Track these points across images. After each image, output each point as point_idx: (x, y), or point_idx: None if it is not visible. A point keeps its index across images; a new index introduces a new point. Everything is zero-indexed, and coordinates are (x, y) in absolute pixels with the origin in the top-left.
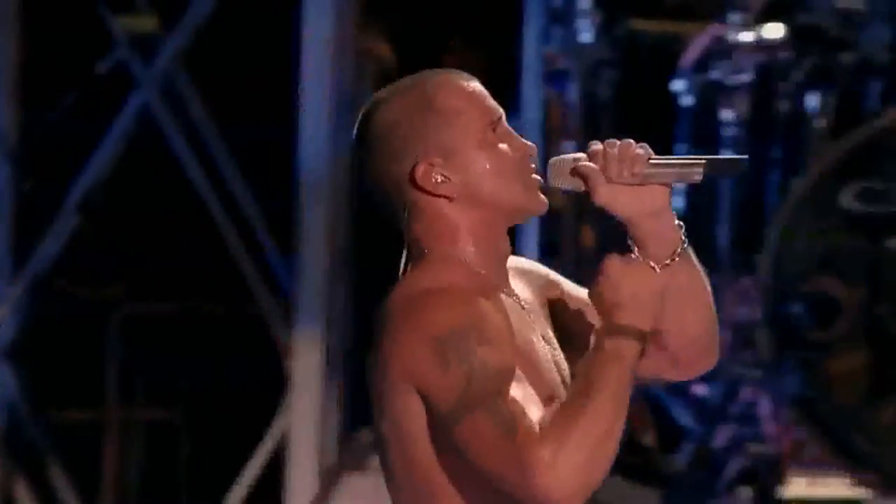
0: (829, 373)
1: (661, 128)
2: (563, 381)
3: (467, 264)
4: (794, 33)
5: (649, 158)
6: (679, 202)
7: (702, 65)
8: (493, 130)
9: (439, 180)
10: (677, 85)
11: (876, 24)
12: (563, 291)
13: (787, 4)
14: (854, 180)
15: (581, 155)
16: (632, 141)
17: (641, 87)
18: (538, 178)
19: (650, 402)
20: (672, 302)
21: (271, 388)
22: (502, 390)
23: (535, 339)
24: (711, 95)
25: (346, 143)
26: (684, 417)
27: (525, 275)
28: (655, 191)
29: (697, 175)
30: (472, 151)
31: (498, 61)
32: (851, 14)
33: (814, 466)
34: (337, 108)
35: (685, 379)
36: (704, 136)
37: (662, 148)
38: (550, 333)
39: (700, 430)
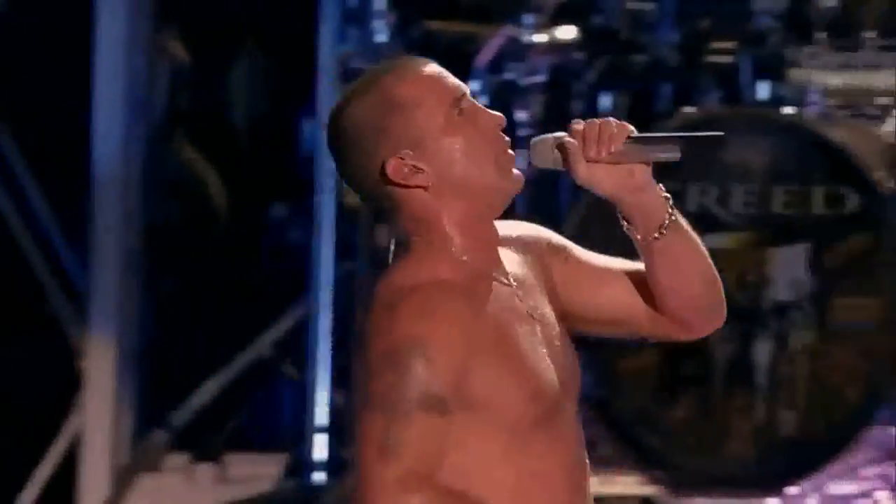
0: (619, 371)
1: None
2: (556, 360)
3: (451, 253)
4: (587, 35)
5: (628, 136)
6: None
7: (496, 66)
8: (460, 111)
9: (411, 172)
10: (472, 85)
11: (666, 25)
12: (566, 257)
13: (579, 6)
14: None
15: (562, 134)
16: (612, 119)
17: None
18: (511, 154)
19: None
20: (667, 269)
21: (65, 387)
22: (413, 416)
23: (518, 326)
24: (506, 96)
25: (138, 141)
26: None
27: (525, 247)
28: (635, 167)
29: (675, 152)
30: (439, 138)
31: (293, 62)
32: (642, 15)
33: (605, 464)
34: (130, 106)
35: (694, 338)
36: None
37: None
38: (546, 309)
39: None
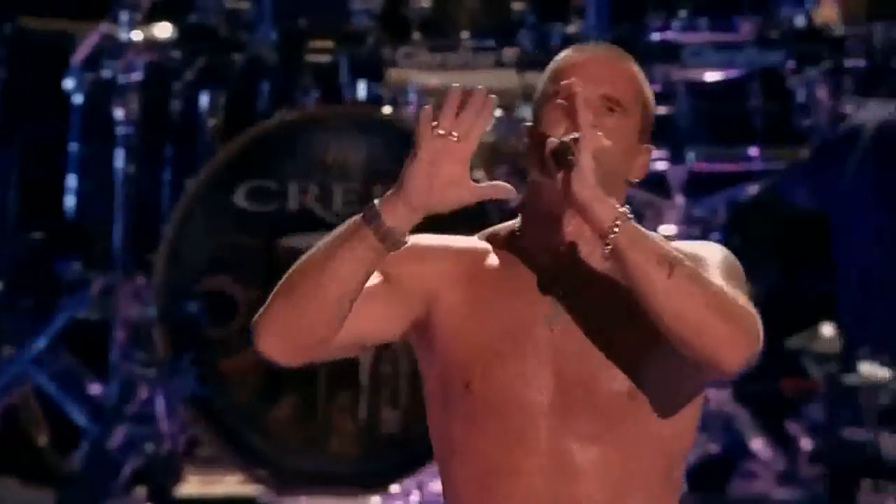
0: (224, 371)
1: (53, 126)
2: (545, 364)
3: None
4: (184, 33)
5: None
6: (71, 201)
7: (92, 63)
8: None
9: None
10: (68, 83)
11: (264, 24)
12: None
13: (176, 4)
14: (246, 180)
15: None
16: None
17: (32, 86)
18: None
19: (44, 402)
20: (636, 289)
21: None
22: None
23: (511, 311)
24: (103, 94)
25: None
26: (80, 417)
27: None
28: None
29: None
30: None
31: None
32: (240, 14)
33: (209, 464)
34: None
35: (728, 374)
36: (97, 134)
37: (55, 145)
38: (589, 324)
39: (96, 429)
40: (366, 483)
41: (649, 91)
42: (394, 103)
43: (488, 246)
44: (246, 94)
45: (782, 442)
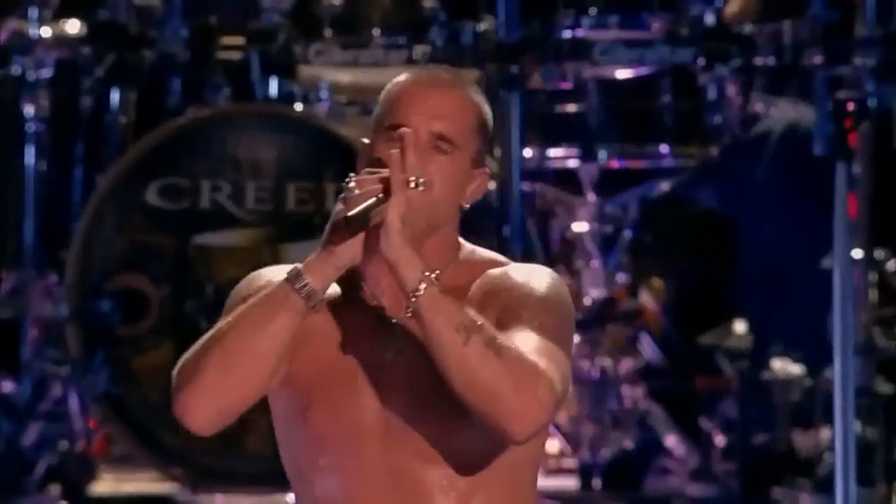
0: (136, 368)
1: None
2: (389, 396)
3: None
4: (94, 29)
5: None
6: None
7: (2, 59)
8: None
9: None
10: None
11: (174, 20)
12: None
13: (86, 0)
14: (158, 177)
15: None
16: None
17: None
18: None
19: None
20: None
21: None
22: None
23: (354, 347)
24: (13, 90)
25: None
26: None
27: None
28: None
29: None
30: None
31: None
32: (149, 10)
33: (123, 462)
34: None
35: (518, 442)
36: (7, 131)
37: None
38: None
39: (8, 427)
40: (281, 481)
41: (486, 113)
42: (305, 101)
43: None
44: (156, 91)
45: (696, 438)
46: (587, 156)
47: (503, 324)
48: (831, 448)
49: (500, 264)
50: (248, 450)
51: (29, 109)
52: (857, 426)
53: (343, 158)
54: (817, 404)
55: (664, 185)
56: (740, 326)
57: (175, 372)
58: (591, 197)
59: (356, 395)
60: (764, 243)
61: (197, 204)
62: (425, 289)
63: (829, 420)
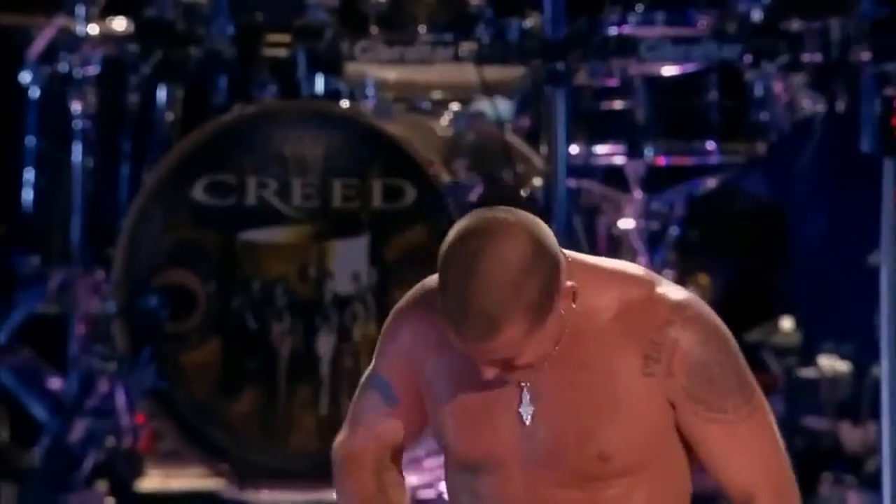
0: (183, 365)
1: (9, 120)
2: (525, 432)
3: None
4: (141, 27)
5: None
6: (29, 195)
7: (49, 56)
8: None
9: None
10: (24, 77)
11: (221, 18)
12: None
13: None
14: (204, 174)
15: None
16: None
17: None
18: None
19: (3, 397)
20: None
21: None
22: (367, 392)
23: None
24: (59, 87)
25: None
26: (39, 411)
27: (622, 331)
28: None
29: None
30: None
31: None
32: (196, 8)
33: (170, 459)
34: None
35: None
36: (54, 128)
37: (12, 140)
38: (564, 390)
39: (56, 423)
40: (327, 477)
41: (537, 296)
42: (352, 97)
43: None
44: (203, 88)
45: None
46: (633, 153)
47: (701, 417)
48: (878, 445)
49: (636, 285)
50: (294, 446)
51: (76, 107)
52: None
53: (389, 155)
54: (864, 401)
55: (710, 182)
56: (787, 323)
57: (332, 458)
58: (638, 194)
59: (491, 427)
60: (812, 238)
61: (243, 200)
62: None
63: (876, 416)
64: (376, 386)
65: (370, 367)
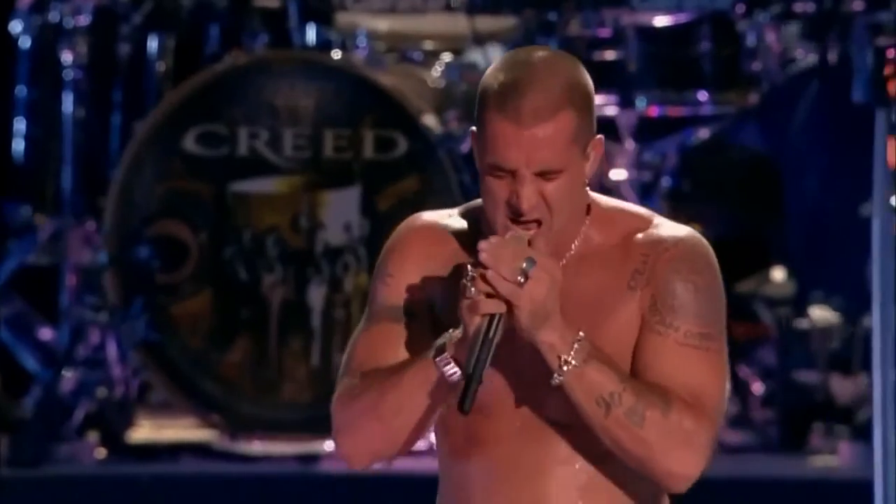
0: (175, 315)
1: (0, 70)
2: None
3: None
4: None
5: None
6: (20, 145)
7: (40, 6)
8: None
9: None
10: (15, 27)
11: None
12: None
13: None
14: (196, 124)
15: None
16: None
17: None
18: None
19: None
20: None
21: None
22: (378, 321)
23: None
24: (50, 37)
25: None
26: (31, 362)
27: (622, 253)
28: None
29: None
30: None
31: None
32: None
33: (161, 409)
34: None
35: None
36: (45, 78)
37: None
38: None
39: (47, 374)
40: (318, 428)
41: (583, 90)
42: (343, 48)
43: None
44: (194, 38)
45: (734, 386)
46: (626, 103)
47: (651, 328)
48: (869, 396)
49: (641, 220)
50: (285, 398)
51: (67, 57)
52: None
53: (381, 106)
54: (856, 352)
55: (703, 133)
56: (779, 274)
57: (332, 411)
58: (630, 144)
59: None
60: (805, 190)
61: (235, 151)
62: (567, 369)
63: (867, 367)
64: (383, 317)
65: (367, 312)
